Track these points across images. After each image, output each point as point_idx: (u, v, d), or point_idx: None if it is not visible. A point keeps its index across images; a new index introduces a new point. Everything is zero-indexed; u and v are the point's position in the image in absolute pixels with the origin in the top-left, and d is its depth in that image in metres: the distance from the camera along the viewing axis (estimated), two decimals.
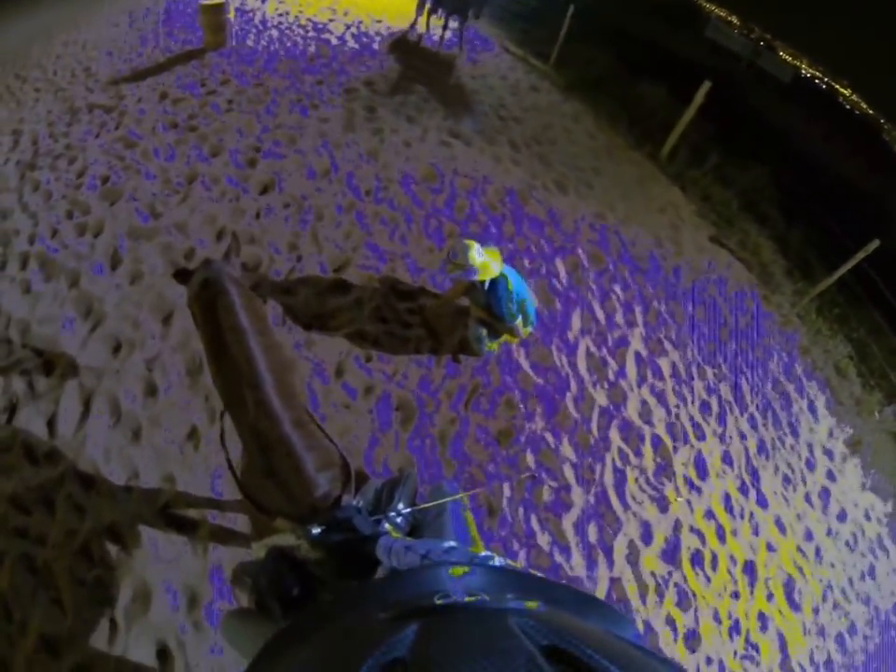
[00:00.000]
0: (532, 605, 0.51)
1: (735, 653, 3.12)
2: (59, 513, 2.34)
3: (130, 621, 2.19)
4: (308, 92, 5.13)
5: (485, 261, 2.87)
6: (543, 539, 2.93)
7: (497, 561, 0.83)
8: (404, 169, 4.41)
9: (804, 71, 10.87)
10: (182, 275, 1.88)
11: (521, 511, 2.96)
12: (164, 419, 2.69)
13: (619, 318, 4.00)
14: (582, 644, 0.38)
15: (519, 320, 3.09)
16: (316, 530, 1.28)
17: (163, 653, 2.16)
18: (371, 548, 1.19)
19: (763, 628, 3.28)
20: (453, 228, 4.14)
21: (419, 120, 5.08)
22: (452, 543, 0.96)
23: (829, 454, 4.39)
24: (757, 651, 3.19)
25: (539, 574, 0.69)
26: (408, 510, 1.55)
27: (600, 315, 3.95)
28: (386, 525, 1.44)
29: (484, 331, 3.21)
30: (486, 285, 2.97)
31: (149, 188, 3.68)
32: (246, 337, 1.54)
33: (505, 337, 3.30)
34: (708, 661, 3.00)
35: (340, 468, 1.54)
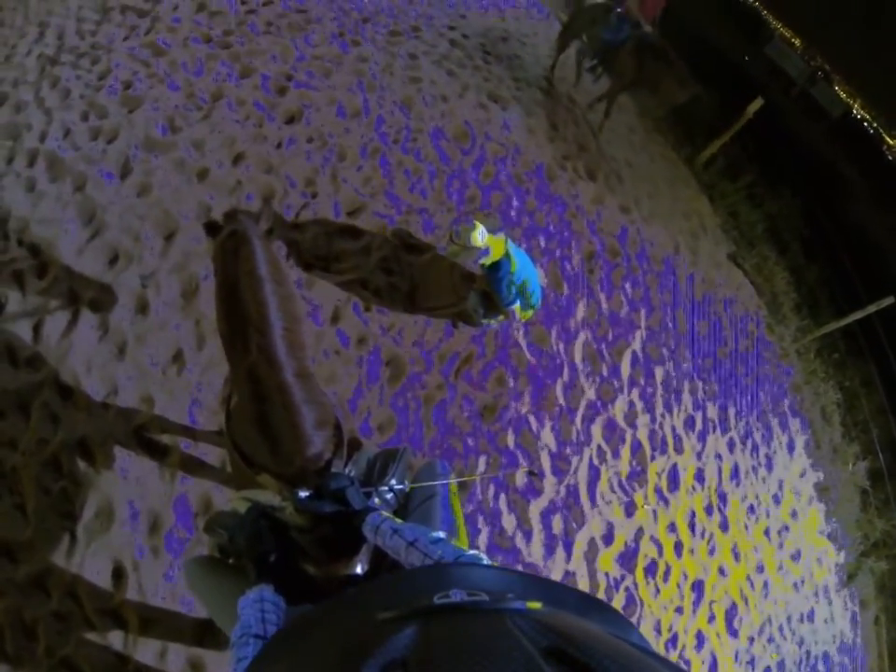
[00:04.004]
0: (534, 605, 0.50)
1: None
2: (33, 420, 2.29)
3: (90, 536, 2.19)
4: (351, 28, 4.79)
5: (488, 244, 2.75)
6: (508, 521, 2.90)
7: (485, 563, 0.83)
8: (436, 123, 4.21)
9: (855, 111, 10.56)
10: (213, 229, 1.85)
11: (491, 488, 2.93)
12: (151, 339, 2.61)
13: (623, 316, 3.93)
14: (583, 645, 0.38)
15: (517, 305, 3.02)
16: (304, 494, 1.21)
17: (119, 573, 2.17)
18: (359, 523, 1.15)
19: (699, 647, 3.31)
20: (475, 192, 3.98)
21: (460, 76, 4.84)
22: (440, 534, 0.97)
23: (797, 493, 4.41)
24: (689, 668, 3.22)
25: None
26: (400, 486, 1.51)
27: (605, 308, 3.88)
28: (376, 500, 1.41)
29: (482, 308, 3.14)
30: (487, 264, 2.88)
31: (172, 100, 3.48)
32: (262, 284, 1.50)
33: (503, 317, 3.24)
34: None
35: (333, 427, 1.46)
